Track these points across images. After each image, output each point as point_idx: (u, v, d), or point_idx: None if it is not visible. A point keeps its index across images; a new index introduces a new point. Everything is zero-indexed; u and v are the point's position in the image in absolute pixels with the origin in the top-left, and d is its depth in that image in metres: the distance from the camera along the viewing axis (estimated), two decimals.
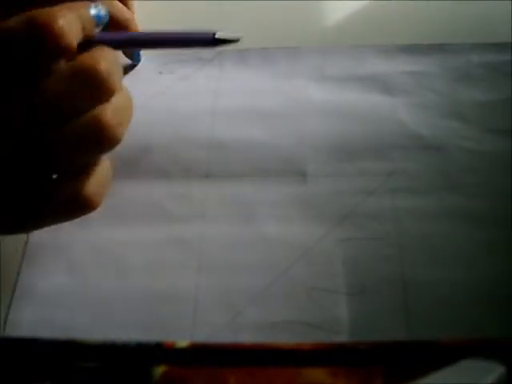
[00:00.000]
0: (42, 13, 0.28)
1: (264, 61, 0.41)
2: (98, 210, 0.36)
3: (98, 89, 0.29)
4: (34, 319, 0.33)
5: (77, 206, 0.30)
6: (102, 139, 0.29)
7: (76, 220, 0.35)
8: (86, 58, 0.29)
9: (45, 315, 0.33)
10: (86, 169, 0.30)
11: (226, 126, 0.38)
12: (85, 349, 0.30)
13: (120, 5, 0.39)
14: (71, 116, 0.28)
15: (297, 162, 0.37)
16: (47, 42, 0.28)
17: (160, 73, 0.41)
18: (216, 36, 0.32)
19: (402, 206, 0.35)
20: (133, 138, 0.38)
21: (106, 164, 0.31)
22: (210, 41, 0.32)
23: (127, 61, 0.41)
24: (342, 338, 0.31)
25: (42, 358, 0.30)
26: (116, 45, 0.31)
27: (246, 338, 0.31)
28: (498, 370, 0.25)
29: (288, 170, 0.36)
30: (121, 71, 0.30)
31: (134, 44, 0.34)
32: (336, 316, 0.32)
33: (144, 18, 0.41)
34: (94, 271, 0.34)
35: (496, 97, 0.38)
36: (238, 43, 0.36)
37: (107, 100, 0.29)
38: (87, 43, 0.30)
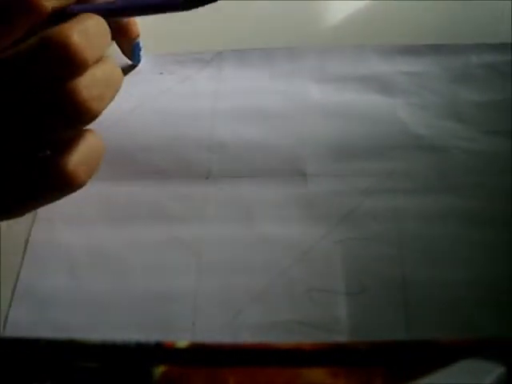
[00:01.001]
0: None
1: (264, 61, 0.41)
2: (99, 210, 0.36)
3: (67, 61, 0.28)
4: (33, 319, 0.33)
5: (58, 182, 0.29)
6: (75, 113, 0.28)
7: (76, 220, 0.36)
8: (56, 30, 0.28)
9: (45, 315, 0.33)
10: (67, 144, 0.29)
11: (226, 127, 0.38)
12: (85, 349, 0.30)
13: None
14: (44, 86, 0.28)
15: (297, 162, 0.37)
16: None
17: (161, 73, 0.41)
18: None
19: (402, 206, 0.35)
20: (133, 138, 0.38)
21: (91, 140, 0.30)
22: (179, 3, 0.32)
23: (127, 61, 0.41)
24: (342, 338, 0.31)
25: (42, 358, 0.30)
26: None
27: (246, 337, 0.31)
28: (497, 370, 0.25)
29: (288, 170, 0.36)
30: (104, 42, 0.30)
31: (108, 14, 0.32)
32: (336, 316, 0.32)
33: (143, 19, 0.41)
34: (94, 271, 0.34)
35: (495, 97, 0.38)
36: (238, 45, 0.36)
37: (81, 73, 0.28)
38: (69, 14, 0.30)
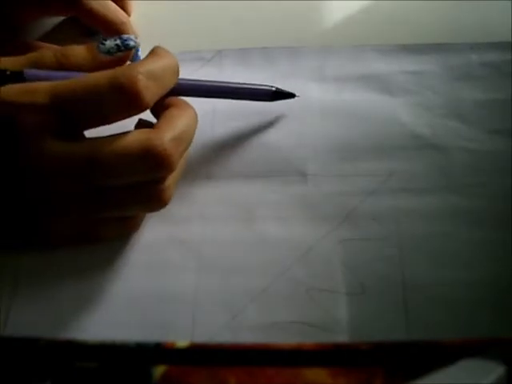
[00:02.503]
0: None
1: (264, 60, 0.41)
2: None
3: (159, 173, 0.31)
4: (34, 319, 0.33)
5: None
6: (155, 207, 0.33)
7: None
8: (154, 136, 0.30)
9: (45, 315, 0.33)
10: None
11: (226, 127, 0.38)
12: (85, 349, 0.30)
13: (114, 6, 0.39)
14: (130, 184, 0.31)
15: (297, 163, 0.37)
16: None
17: None
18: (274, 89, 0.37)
19: (403, 206, 0.35)
20: None
21: None
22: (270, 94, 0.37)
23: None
24: (342, 338, 0.31)
25: (42, 358, 0.30)
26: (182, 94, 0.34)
27: (246, 338, 0.31)
28: (497, 370, 0.25)
29: (288, 171, 0.36)
30: (189, 142, 0.33)
31: (205, 93, 0.36)
32: (336, 316, 0.31)
33: (143, 18, 0.41)
34: (94, 271, 0.34)
35: (497, 96, 0.38)
36: (238, 44, 0.36)
37: (166, 178, 0.31)
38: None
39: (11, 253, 0.34)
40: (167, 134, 0.30)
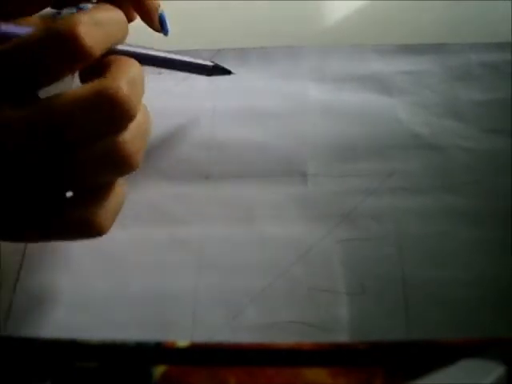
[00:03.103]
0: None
1: (263, 60, 0.41)
2: None
3: (119, 118, 0.28)
4: (34, 319, 0.32)
5: (86, 228, 0.29)
6: (120, 166, 0.29)
7: None
8: (108, 82, 0.28)
9: (45, 315, 0.33)
10: (100, 193, 0.29)
11: (226, 126, 0.38)
12: (85, 349, 0.30)
13: None
14: (92, 139, 0.28)
15: (297, 163, 0.37)
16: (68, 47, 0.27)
17: (159, 73, 0.41)
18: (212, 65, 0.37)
19: (402, 205, 0.35)
20: None
21: (120, 191, 0.30)
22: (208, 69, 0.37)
23: None
24: (343, 337, 0.31)
25: (42, 358, 0.30)
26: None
27: (246, 337, 0.31)
28: (498, 370, 0.25)
29: (288, 171, 0.36)
30: (142, 90, 0.30)
31: (148, 61, 0.34)
32: (336, 316, 0.32)
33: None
34: (94, 271, 0.34)
35: (495, 96, 0.38)
36: (238, 44, 0.36)
37: (126, 126, 0.29)
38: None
39: (11, 252, 0.34)
40: (120, 77, 0.28)
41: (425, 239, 0.34)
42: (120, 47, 0.31)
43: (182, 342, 0.30)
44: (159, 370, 0.30)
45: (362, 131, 0.38)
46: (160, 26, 0.37)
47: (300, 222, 0.35)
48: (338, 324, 0.31)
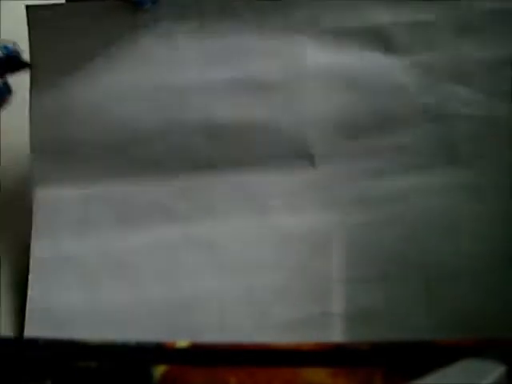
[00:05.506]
0: None
1: (252, 13, 0.35)
2: (100, 213, 0.35)
3: None
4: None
5: None
6: None
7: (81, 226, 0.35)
8: None
9: (60, 333, 0.32)
10: None
11: (221, 104, 0.35)
12: (85, 349, 0.30)
13: None
14: None
15: (302, 144, 0.35)
16: None
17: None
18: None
19: (413, 183, 0.34)
20: (119, 129, 0.35)
21: None
22: None
23: None
24: (367, 325, 0.31)
25: (41, 358, 0.30)
26: None
27: (273, 337, 0.31)
28: (497, 370, 0.25)
29: (294, 154, 0.35)
30: None
31: None
32: (359, 304, 0.32)
33: None
34: (109, 281, 0.33)
35: (500, 52, 0.35)
36: None
37: None
38: None
39: (11, 251, 0.34)
40: None
41: (438, 215, 0.33)
42: None
43: (182, 342, 0.30)
44: (159, 370, 0.30)
45: (364, 103, 0.35)
46: None
47: (314, 209, 0.34)
48: (364, 312, 0.31)
